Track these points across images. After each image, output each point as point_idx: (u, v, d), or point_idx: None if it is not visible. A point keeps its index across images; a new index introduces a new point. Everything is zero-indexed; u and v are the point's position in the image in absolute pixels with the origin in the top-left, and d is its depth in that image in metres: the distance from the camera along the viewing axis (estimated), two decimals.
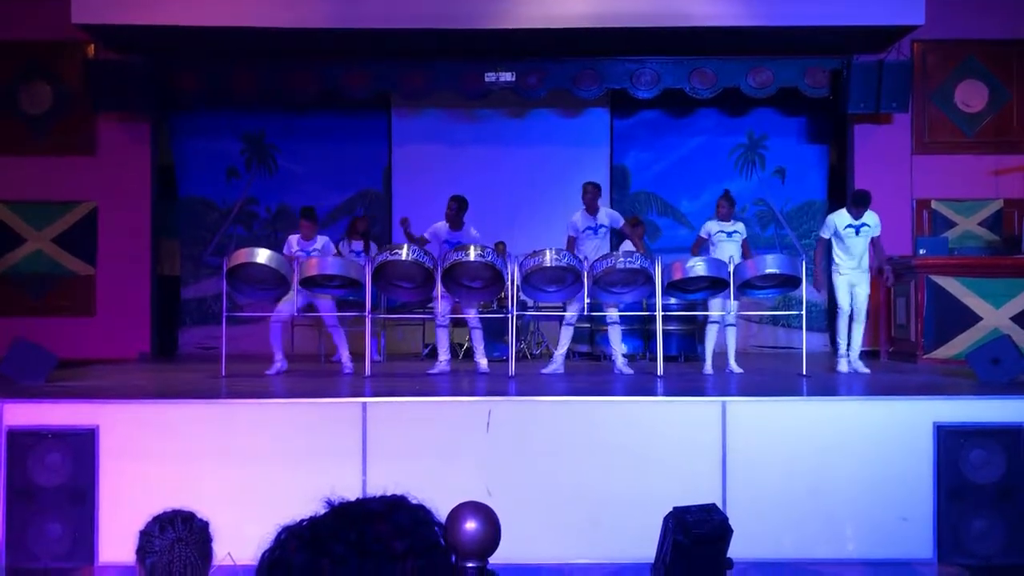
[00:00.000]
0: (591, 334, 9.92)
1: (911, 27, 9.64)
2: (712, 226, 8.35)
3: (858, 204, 7.95)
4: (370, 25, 9.40)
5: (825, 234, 8.11)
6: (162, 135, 10.95)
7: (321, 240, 8.28)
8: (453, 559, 1.10)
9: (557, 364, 7.95)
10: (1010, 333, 7.98)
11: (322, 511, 1.05)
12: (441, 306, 7.81)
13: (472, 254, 7.44)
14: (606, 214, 8.31)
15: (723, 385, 7.19)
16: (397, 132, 11.26)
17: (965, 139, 10.64)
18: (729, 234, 8.27)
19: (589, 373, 8.36)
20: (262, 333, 8.36)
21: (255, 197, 11.26)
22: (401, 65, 10.23)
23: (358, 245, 9.77)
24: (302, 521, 1.04)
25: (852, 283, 7.96)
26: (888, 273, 8.57)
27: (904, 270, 9.28)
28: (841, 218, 8.00)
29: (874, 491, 5.74)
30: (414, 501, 1.10)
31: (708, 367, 8.06)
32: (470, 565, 2.27)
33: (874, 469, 5.76)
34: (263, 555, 1.03)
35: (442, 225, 8.12)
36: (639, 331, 9.91)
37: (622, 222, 8.37)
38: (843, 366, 7.95)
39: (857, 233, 7.94)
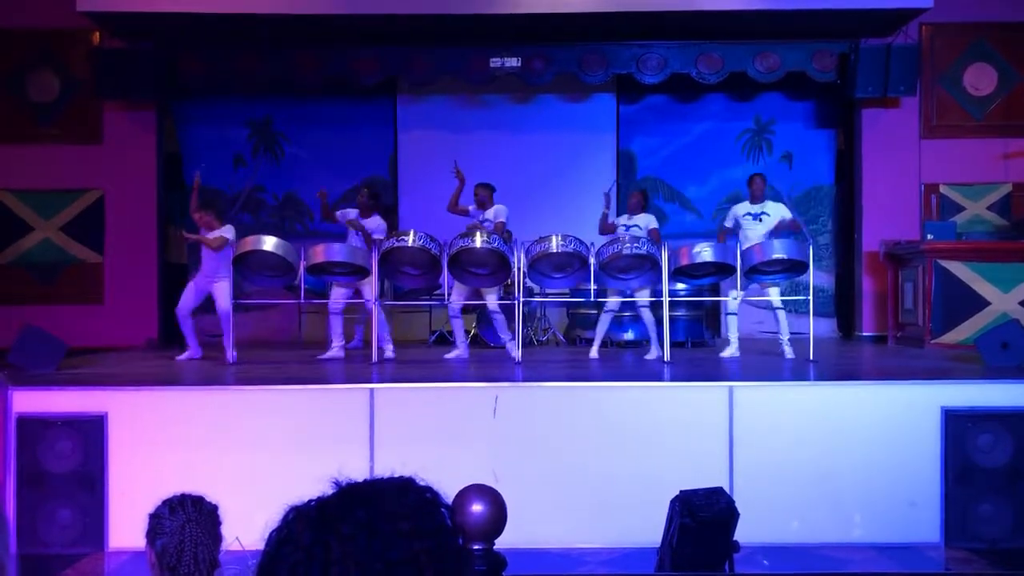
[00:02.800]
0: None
1: (919, 10, 9.57)
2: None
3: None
4: (376, 11, 9.37)
5: (727, 223, 8.12)
6: (168, 123, 10.93)
7: None
8: (461, 541, 1.11)
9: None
10: (1018, 318, 7.97)
11: (330, 491, 1.05)
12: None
13: (478, 241, 7.45)
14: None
15: (730, 370, 7.19)
16: (403, 118, 11.24)
17: (974, 123, 10.57)
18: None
19: (596, 358, 8.35)
20: (269, 320, 8.37)
21: (262, 184, 11.26)
22: (407, 51, 10.19)
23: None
24: (310, 501, 1.05)
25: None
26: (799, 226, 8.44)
27: (912, 255, 9.24)
28: (741, 206, 8.04)
29: (881, 475, 5.74)
30: (422, 483, 1.10)
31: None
32: (476, 547, 2.28)
33: (881, 454, 5.76)
34: (271, 534, 1.04)
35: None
36: None
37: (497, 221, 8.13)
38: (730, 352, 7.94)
39: (756, 220, 7.94)
